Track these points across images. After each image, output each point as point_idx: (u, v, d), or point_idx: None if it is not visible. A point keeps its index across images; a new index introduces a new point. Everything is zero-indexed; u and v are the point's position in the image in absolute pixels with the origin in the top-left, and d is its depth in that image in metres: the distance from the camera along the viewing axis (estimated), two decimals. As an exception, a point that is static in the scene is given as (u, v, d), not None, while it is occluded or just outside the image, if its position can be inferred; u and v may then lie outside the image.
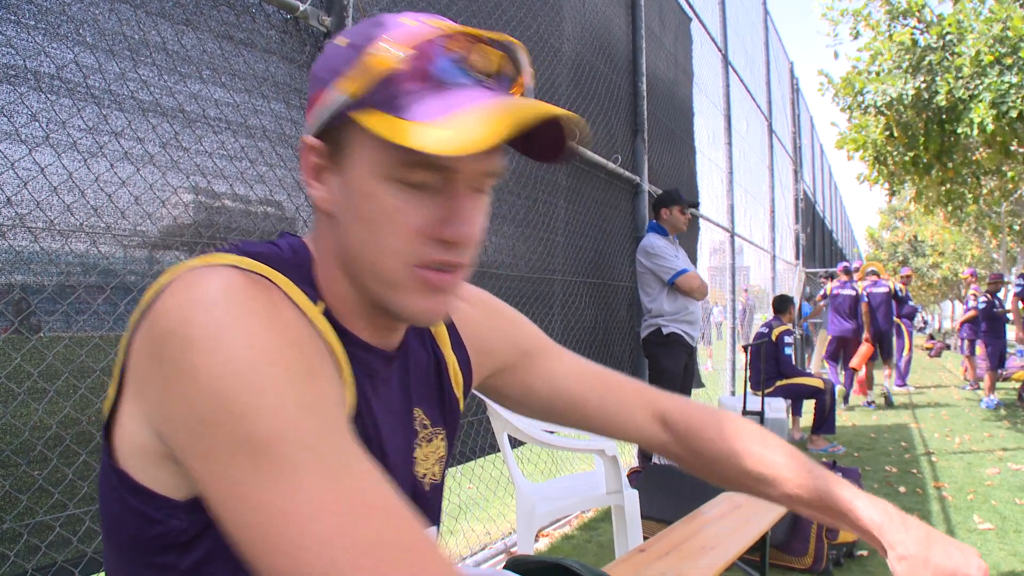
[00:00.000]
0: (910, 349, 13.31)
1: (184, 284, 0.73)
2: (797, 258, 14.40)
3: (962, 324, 12.34)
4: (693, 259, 7.02)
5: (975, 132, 8.00)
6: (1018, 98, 7.61)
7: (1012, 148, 8.54)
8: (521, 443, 3.69)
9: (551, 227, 4.55)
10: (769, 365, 7.39)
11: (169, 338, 0.69)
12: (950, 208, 11.33)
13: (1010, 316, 11.27)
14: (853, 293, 10.71)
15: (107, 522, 0.83)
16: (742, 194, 10.16)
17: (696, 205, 6.93)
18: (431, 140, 0.73)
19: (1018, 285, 10.58)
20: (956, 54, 8.27)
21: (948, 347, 24.40)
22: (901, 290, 12.65)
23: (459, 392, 1.13)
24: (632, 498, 3.43)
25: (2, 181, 1.81)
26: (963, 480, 6.11)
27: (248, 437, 0.66)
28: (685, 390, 5.36)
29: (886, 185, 10.18)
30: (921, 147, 9.05)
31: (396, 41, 0.78)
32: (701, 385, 7.18)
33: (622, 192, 5.74)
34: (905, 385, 13.12)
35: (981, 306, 11.59)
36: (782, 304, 7.94)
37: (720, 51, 8.92)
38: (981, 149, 9.17)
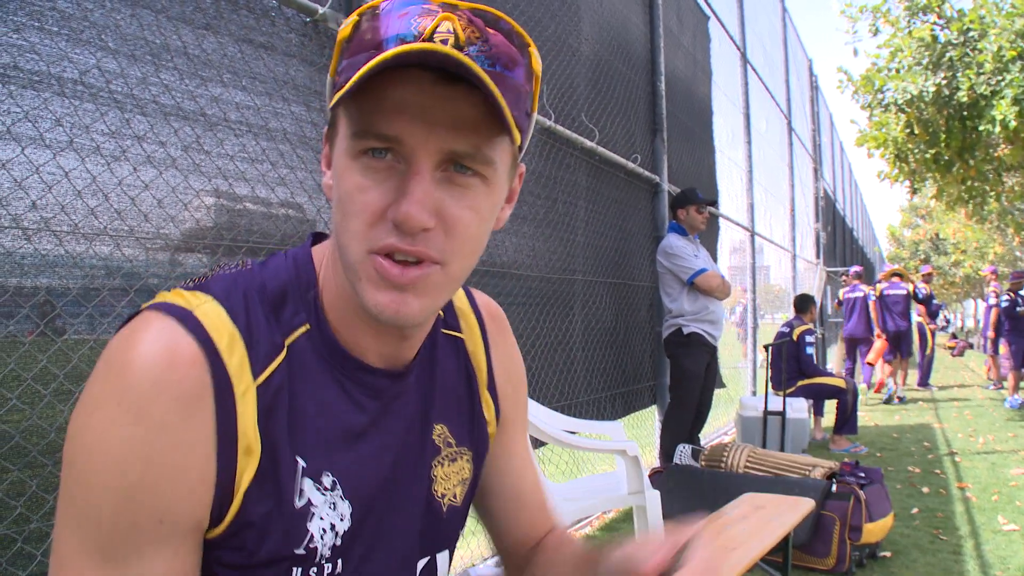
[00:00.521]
0: (932, 349, 13.22)
1: (101, 368, 0.77)
2: (818, 257, 14.32)
3: (995, 326, 12.14)
4: (713, 258, 7.00)
5: (997, 128, 7.94)
6: (1041, 94, 7.55)
7: (1035, 144, 8.46)
8: (543, 443, 3.69)
9: (571, 227, 4.55)
10: (790, 365, 7.35)
11: (71, 419, 0.77)
12: (972, 205, 11.24)
13: None
14: (861, 295, 11.28)
15: None
16: (762, 193, 10.12)
17: (715, 203, 6.90)
18: (339, 95, 0.75)
19: None
20: (977, 50, 8.21)
21: (971, 346, 24.19)
22: (923, 289, 12.66)
23: (489, 414, 1.10)
24: (654, 499, 3.42)
25: (27, 185, 1.83)
26: (987, 480, 6.06)
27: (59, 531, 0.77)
28: (707, 390, 5.34)
29: (907, 183, 10.12)
30: (942, 144, 8.98)
31: (348, 14, 0.78)
32: (722, 385, 7.16)
33: (642, 192, 5.73)
34: (928, 386, 13.03)
35: (1004, 304, 11.49)
36: (803, 303, 7.90)
37: (738, 49, 8.89)
38: (1003, 145, 9.09)
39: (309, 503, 0.84)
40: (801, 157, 13.73)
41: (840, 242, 19.11)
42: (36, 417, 1.83)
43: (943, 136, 8.88)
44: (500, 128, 0.79)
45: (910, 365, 12.67)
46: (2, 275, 1.79)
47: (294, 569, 0.84)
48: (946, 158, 9.22)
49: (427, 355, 1.01)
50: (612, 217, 5.17)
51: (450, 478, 1.02)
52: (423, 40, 0.74)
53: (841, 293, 11.93)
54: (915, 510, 5.12)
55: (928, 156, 9.28)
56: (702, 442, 5.86)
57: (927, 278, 13.44)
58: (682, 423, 5.16)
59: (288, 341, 0.85)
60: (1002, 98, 7.82)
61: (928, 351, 13.13)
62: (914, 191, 10.50)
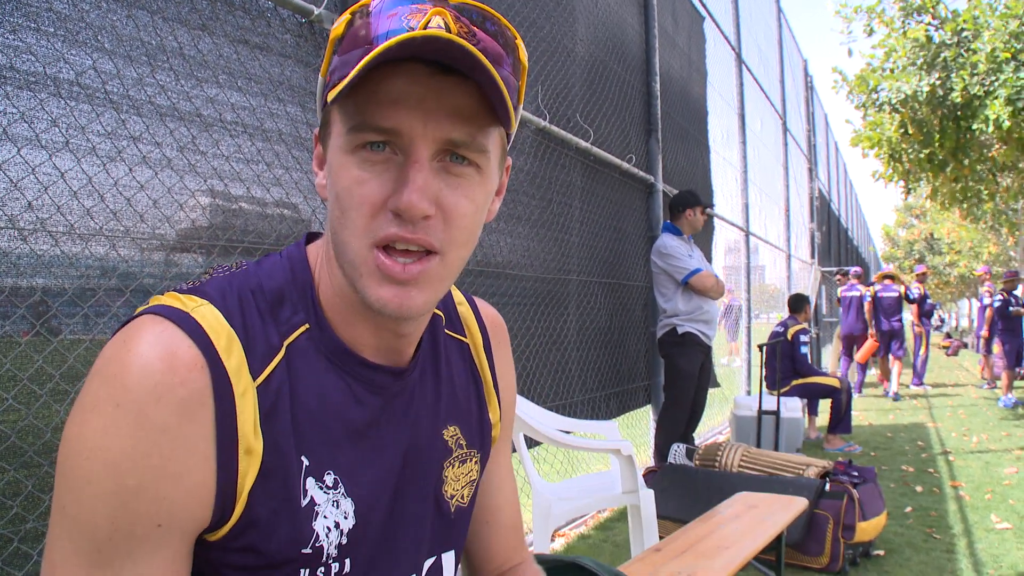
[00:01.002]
0: (927, 348, 13.29)
1: (98, 371, 0.77)
2: (812, 257, 14.34)
3: (989, 326, 12.25)
4: (708, 258, 7.02)
5: (991, 128, 7.97)
6: (1034, 94, 7.57)
7: (1028, 144, 8.49)
8: (537, 443, 3.70)
9: (566, 227, 4.56)
10: (785, 364, 7.37)
11: (67, 424, 0.77)
12: (966, 205, 11.29)
13: None
14: (857, 294, 11.86)
15: None
16: (757, 193, 10.14)
17: (711, 206, 6.96)
18: (335, 92, 0.77)
19: None
20: (971, 50, 8.24)
21: (965, 345, 24.27)
22: (917, 289, 12.78)
23: (494, 416, 1.12)
24: (648, 498, 3.43)
25: (23, 186, 1.83)
26: (980, 479, 6.08)
27: (52, 534, 0.77)
28: (701, 390, 5.36)
29: (901, 183, 10.15)
30: (936, 144, 9.01)
31: (340, 13, 0.80)
32: (717, 385, 7.17)
33: (636, 192, 5.74)
34: (922, 385, 13.08)
35: (997, 304, 11.55)
36: (797, 303, 7.92)
37: (733, 50, 8.90)
38: (997, 145, 9.12)
39: (313, 502, 0.85)
40: (796, 157, 13.75)
41: (835, 242, 19.14)
42: (32, 417, 1.84)
43: (937, 136, 8.91)
44: (494, 117, 0.81)
45: (905, 365, 12.92)
46: (-2, 275, 1.80)
47: (302, 570, 0.85)
48: (940, 158, 9.25)
49: (431, 354, 1.02)
50: (607, 217, 5.18)
51: (460, 479, 1.04)
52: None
53: (839, 292, 12.35)
54: (909, 509, 5.14)
55: (922, 156, 9.31)
56: (696, 441, 5.88)
57: (921, 278, 13.53)
58: (676, 422, 5.17)
59: (287, 341, 0.86)
60: (996, 98, 7.85)
61: (923, 351, 13.18)
62: (908, 191, 10.52)
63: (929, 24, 8.86)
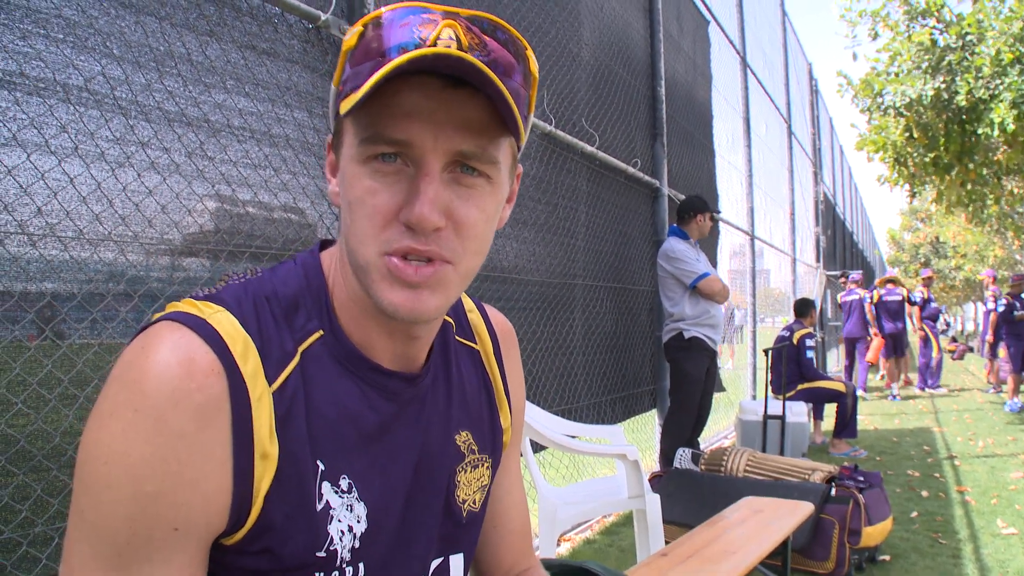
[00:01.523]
0: (939, 351, 13.34)
1: (117, 377, 0.78)
2: (818, 260, 14.33)
3: (994, 330, 12.30)
4: (713, 262, 7.02)
5: (996, 132, 7.95)
6: (1040, 98, 7.56)
7: (1034, 148, 8.48)
8: (543, 448, 3.70)
9: (572, 232, 4.56)
10: (790, 368, 7.37)
11: (86, 429, 0.78)
12: (971, 209, 11.26)
13: None
14: (857, 298, 12.19)
15: None
16: (762, 197, 10.14)
17: (719, 212, 7.00)
18: (347, 106, 0.78)
19: None
20: (976, 54, 8.22)
21: (971, 349, 24.19)
22: (920, 293, 12.92)
23: (505, 422, 1.13)
24: (654, 502, 3.43)
25: (33, 192, 1.84)
26: (986, 484, 6.07)
27: (71, 538, 0.77)
28: (707, 394, 5.36)
29: (906, 186, 10.13)
30: (941, 148, 8.99)
31: (353, 24, 0.80)
32: (722, 389, 7.17)
33: (642, 196, 5.75)
34: (938, 387, 13.11)
35: (1001, 308, 11.54)
36: (803, 307, 7.91)
37: (738, 53, 8.91)
38: (1002, 149, 9.10)
39: (328, 506, 0.86)
40: (801, 161, 13.75)
41: (840, 246, 19.13)
42: (41, 421, 1.85)
43: (942, 140, 8.88)
44: (504, 129, 0.82)
45: (910, 369, 13.12)
46: (8, 280, 1.81)
47: (316, 574, 0.86)
48: (945, 162, 9.22)
49: (442, 361, 1.03)
50: (612, 221, 5.18)
51: (471, 484, 1.04)
52: (428, 47, 0.77)
53: (840, 297, 12.69)
54: (914, 514, 5.13)
55: (927, 160, 9.28)
56: (702, 446, 5.87)
57: (927, 282, 13.57)
58: (682, 427, 5.17)
59: (302, 347, 0.87)
60: (1000, 102, 7.83)
61: (935, 353, 13.23)
62: (913, 195, 10.50)
63: (934, 28, 8.84)
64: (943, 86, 8.43)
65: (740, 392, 9.22)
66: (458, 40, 0.78)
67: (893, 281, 12.63)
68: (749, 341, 9.15)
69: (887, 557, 4.22)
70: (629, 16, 5.58)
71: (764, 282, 13.68)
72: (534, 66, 0.87)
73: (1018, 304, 11.38)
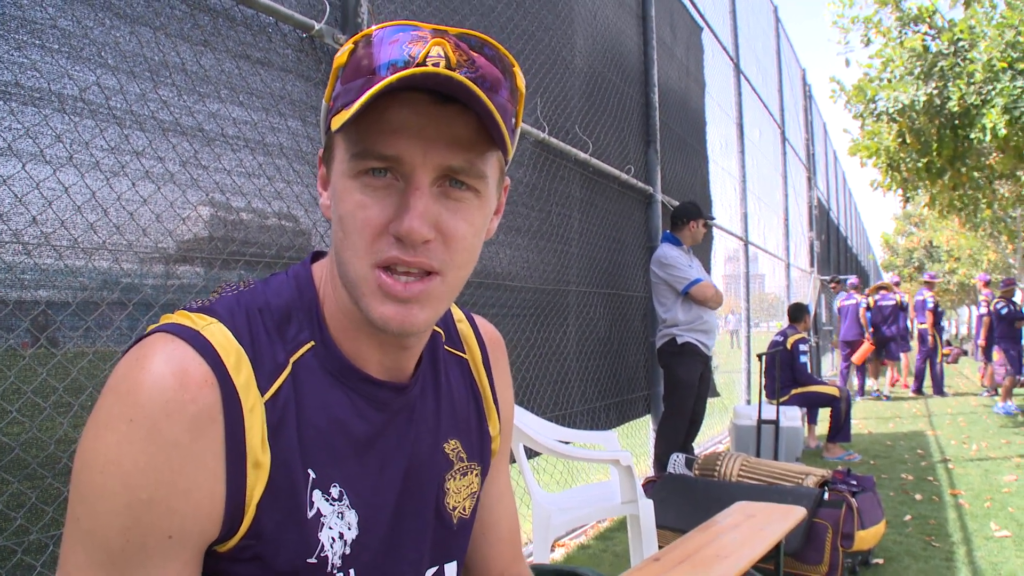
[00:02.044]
0: (941, 356, 13.45)
1: (112, 388, 0.79)
2: (812, 265, 14.37)
3: (986, 333, 12.45)
4: (707, 268, 7.04)
5: (988, 137, 7.99)
6: (1031, 103, 7.60)
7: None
8: (536, 453, 3.71)
9: (565, 239, 4.58)
10: (784, 373, 7.38)
11: (81, 438, 0.79)
12: (964, 213, 11.32)
13: None
14: (854, 303, 12.52)
15: None
16: (755, 202, 10.17)
17: (712, 218, 7.03)
18: (339, 122, 0.80)
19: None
20: (968, 60, 8.26)
21: (965, 353, 24.26)
22: (933, 298, 13.22)
23: (494, 430, 1.15)
24: (647, 508, 3.45)
25: (28, 201, 1.85)
26: (980, 487, 6.09)
27: (67, 546, 0.79)
28: (701, 399, 5.37)
29: (900, 191, 10.17)
30: (934, 153, 9.03)
31: (344, 42, 0.82)
32: (716, 395, 7.18)
33: (635, 203, 5.76)
34: (943, 394, 13.17)
35: (1003, 311, 11.60)
36: (797, 312, 7.94)
37: (732, 60, 8.94)
38: (994, 154, 9.14)
39: (319, 513, 0.87)
40: (795, 166, 13.78)
41: (835, 251, 19.17)
42: (36, 429, 1.85)
43: (935, 145, 8.92)
44: (491, 144, 0.84)
45: (910, 373, 13.79)
46: (3, 288, 1.82)
47: None
48: (938, 166, 9.25)
49: (431, 370, 1.05)
50: (606, 228, 5.20)
51: (461, 491, 1.06)
52: (417, 65, 0.79)
53: (838, 301, 12.97)
54: (908, 517, 5.15)
55: (920, 165, 9.32)
56: (696, 451, 5.89)
57: (930, 285, 13.73)
58: (676, 432, 5.18)
59: (294, 358, 0.89)
60: (992, 107, 7.86)
61: (939, 359, 13.36)
62: (907, 199, 10.54)
63: (926, 34, 8.88)
64: (935, 92, 8.47)
65: (734, 397, 9.24)
66: (447, 57, 0.80)
67: (885, 287, 13.01)
68: (743, 346, 9.17)
69: (880, 560, 4.23)
70: (622, 23, 5.60)
71: (758, 287, 13.75)
72: (521, 82, 0.89)
73: (1012, 307, 11.44)
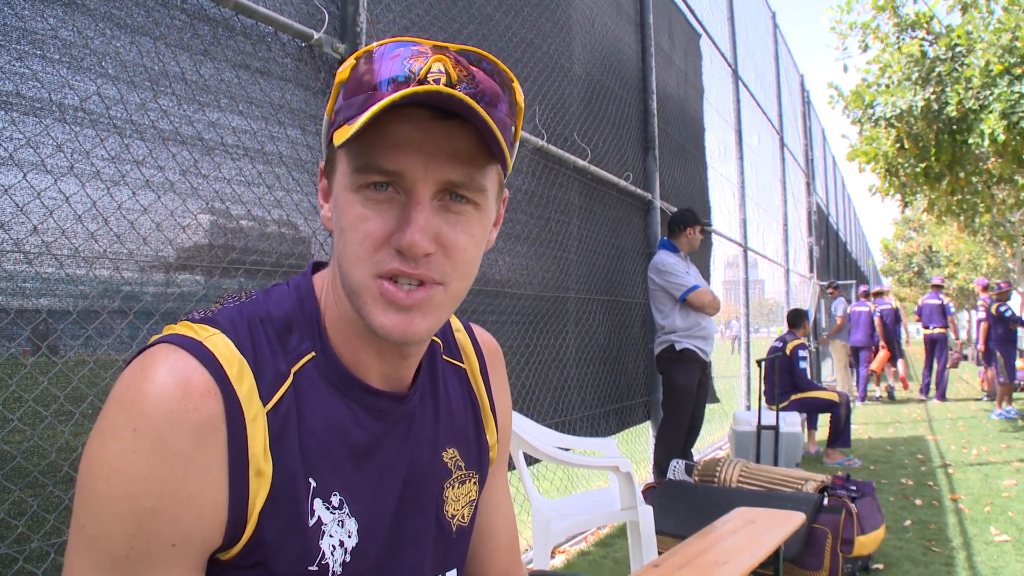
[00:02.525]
0: (945, 362, 13.54)
1: (116, 398, 0.81)
2: (811, 271, 14.38)
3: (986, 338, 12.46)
4: (706, 274, 7.05)
5: (986, 142, 8.01)
6: (1029, 108, 7.62)
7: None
8: (536, 460, 3.72)
9: (564, 245, 4.59)
10: (784, 379, 7.39)
11: (86, 447, 0.80)
12: (963, 218, 11.33)
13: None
14: (866, 309, 12.95)
15: None
16: (754, 208, 10.19)
17: (710, 225, 7.04)
18: (341, 137, 0.82)
19: None
20: (965, 65, 8.29)
21: (965, 357, 24.24)
22: (951, 303, 13.60)
23: (491, 439, 1.16)
24: (647, 514, 3.45)
25: (29, 210, 1.86)
26: (980, 492, 6.09)
27: (71, 553, 0.80)
28: (699, 405, 5.37)
29: (898, 196, 10.18)
30: (932, 158, 9.05)
31: (346, 58, 0.83)
32: (716, 400, 7.19)
33: (634, 209, 5.78)
34: (945, 400, 13.17)
35: (1007, 314, 11.62)
36: (796, 318, 7.94)
37: (730, 66, 8.96)
38: (992, 159, 9.16)
39: (320, 521, 0.88)
40: (793, 172, 13.81)
41: (834, 256, 19.18)
42: (37, 438, 1.86)
43: (933, 150, 8.94)
44: (491, 158, 0.86)
45: (910, 377, 14.05)
46: (4, 297, 1.83)
47: None
48: (936, 171, 9.27)
49: (429, 380, 1.06)
50: (605, 235, 5.21)
51: (459, 500, 1.07)
52: (418, 80, 0.81)
53: (849, 308, 13.21)
54: (908, 522, 5.15)
55: (918, 170, 9.34)
56: (696, 457, 5.89)
57: (937, 288, 13.95)
58: (675, 438, 5.19)
59: (295, 368, 0.90)
60: (990, 112, 7.88)
61: (948, 363, 13.55)
62: (905, 204, 10.56)
63: (923, 39, 8.91)
64: (933, 97, 8.50)
65: (734, 403, 9.24)
66: (448, 73, 0.81)
67: (880, 293, 13.65)
68: (743, 351, 9.17)
69: (880, 566, 4.23)
70: (620, 30, 5.62)
71: (758, 293, 13.79)
72: (520, 96, 0.91)
73: (1010, 312, 11.45)
